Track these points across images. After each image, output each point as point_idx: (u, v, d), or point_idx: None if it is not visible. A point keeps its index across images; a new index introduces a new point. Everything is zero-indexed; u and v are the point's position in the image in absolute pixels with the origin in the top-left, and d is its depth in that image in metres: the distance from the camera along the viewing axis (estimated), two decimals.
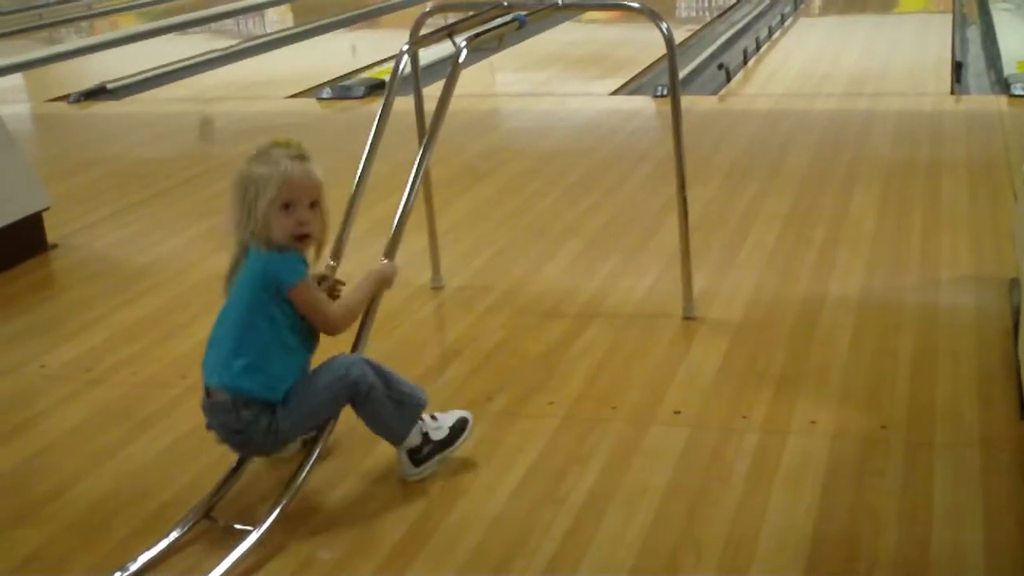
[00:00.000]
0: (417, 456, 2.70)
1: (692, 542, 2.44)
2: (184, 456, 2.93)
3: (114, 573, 2.40)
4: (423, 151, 3.04)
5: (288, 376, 2.58)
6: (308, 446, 2.70)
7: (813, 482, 2.65)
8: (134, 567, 2.42)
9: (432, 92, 3.56)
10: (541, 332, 3.57)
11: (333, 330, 2.67)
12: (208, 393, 2.60)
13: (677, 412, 3.02)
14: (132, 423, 3.13)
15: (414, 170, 3.00)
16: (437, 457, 2.72)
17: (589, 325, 3.60)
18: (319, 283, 2.79)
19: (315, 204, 2.58)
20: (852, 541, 2.42)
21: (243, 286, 2.56)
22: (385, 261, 2.84)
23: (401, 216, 2.94)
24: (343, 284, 2.85)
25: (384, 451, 2.82)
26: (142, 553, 2.46)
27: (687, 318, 3.60)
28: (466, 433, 2.78)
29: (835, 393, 3.09)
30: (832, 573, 2.32)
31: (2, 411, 3.27)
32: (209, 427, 2.64)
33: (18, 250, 4.51)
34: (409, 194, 2.97)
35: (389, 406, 2.64)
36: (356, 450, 2.85)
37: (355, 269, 3.24)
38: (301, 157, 2.57)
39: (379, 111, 3.25)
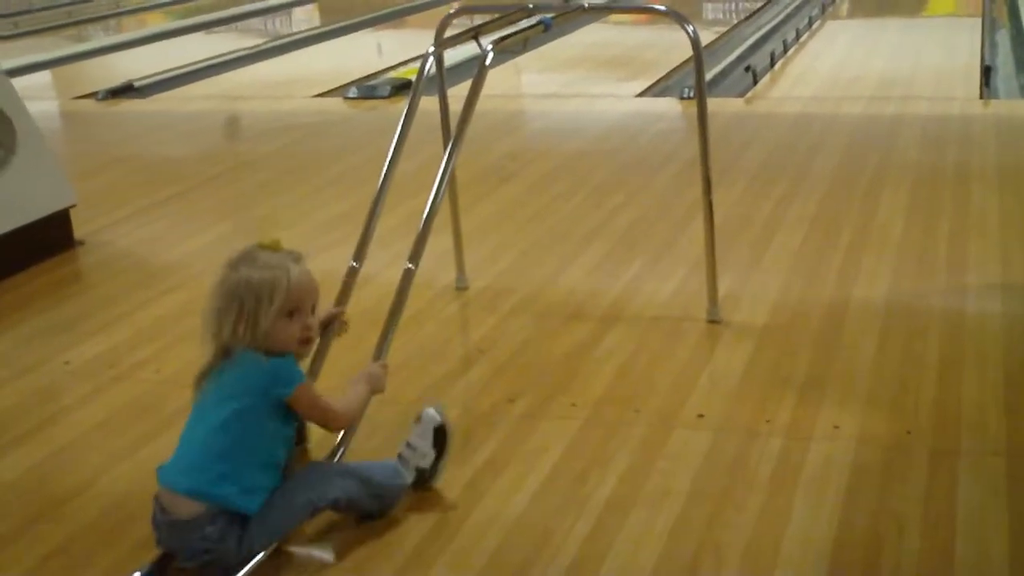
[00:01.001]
0: (423, 483, 2.65)
1: (713, 546, 2.43)
2: None
3: (134, 573, 2.41)
4: (450, 152, 3.03)
5: (266, 489, 2.42)
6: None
7: (836, 487, 2.63)
8: (155, 569, 2.43)
9: (457, 92, 3.56)
10: (564, 334, 3.57)
11: (336, 427, 2.60)
12: (162, 507, 2.40)
13: (701, 416, 3.01)
14: (155, 420, 3.14)
15: (441, 171, 2.99)
16: (439, 470, 2.65)
17: (613, 328, 3.59)
18: (326, 327, 2.79)
19: (315, 307, 2.50)
20: (875, 547, 2.40)
21: (235, 391, 2.39)
22: (376, 363, 2.72)
23: (428, 217, 2.93)
24: (347, 326, 2.86)
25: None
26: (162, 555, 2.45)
27: (712, 321, 3.58)
28: (448, 433, 2.65)
29: (860, 398, 3.07)
30: None
31: (26, 407, 3.28)
32: (162, 544, 2.42)
33: (45, 246, 4.53)
34: (436, 195, 2.96)
35: (368, 503, 2.54)
36: (375, 452, 2.85)
37: (378, 269, 3.25)
38: (300, 259, 2.46)
39: (404, 111, 3.25)
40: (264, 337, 2.39)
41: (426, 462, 2.63)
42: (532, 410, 3.08)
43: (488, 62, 3.10)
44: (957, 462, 2.72)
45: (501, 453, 2.81)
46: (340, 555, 2.47)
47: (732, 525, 2.51)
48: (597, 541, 2.47)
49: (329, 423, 2.58)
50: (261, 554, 2.40)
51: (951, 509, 2.53)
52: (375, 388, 2.67)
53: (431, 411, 2.67)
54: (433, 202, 2.95)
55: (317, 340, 2.62)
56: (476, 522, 2.56)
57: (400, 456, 2.63)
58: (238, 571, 2.37)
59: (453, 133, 3.10)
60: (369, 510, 2.55)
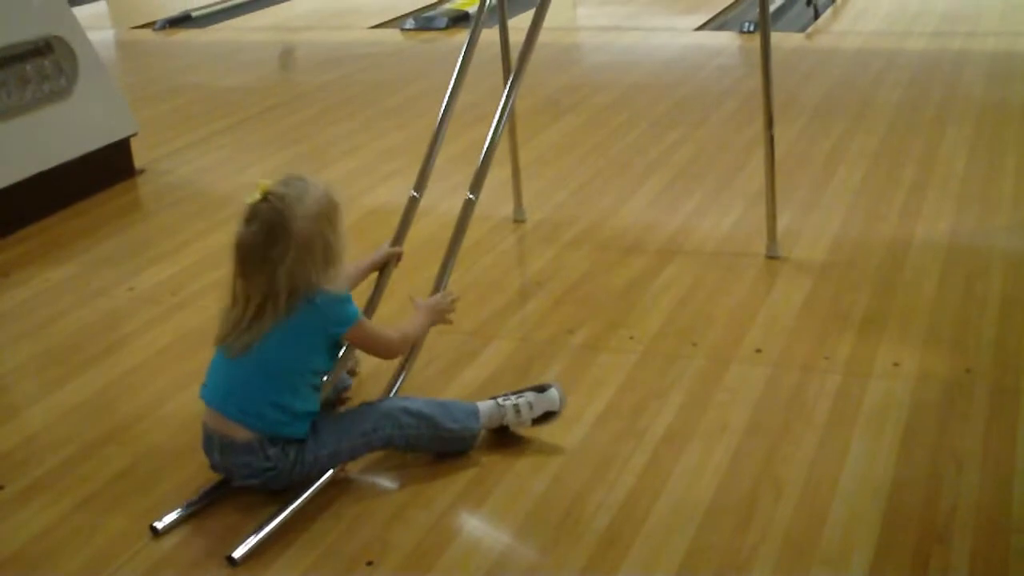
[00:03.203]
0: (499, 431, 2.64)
1: (772, 480, 2.44)
2: None
3: (199, 496, 2.46)
4: (511, 85, 3.02)
5: (312, 414, 2.45)
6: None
7: (895, 425, 2.63)
8: (218, 490, 2.49)
9: (516, 24, 3.54)
10: (622, 267, 3.56)
11: (390, 356, 2.62)
12: (213, 430, 2.44)
13: (758, 351, 3.00)
14: None
15: (501, 103, 2.98)
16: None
17: (671, 261, 3.58)
18: (383, 267, 2.83)
19: None
20: (933, 484, 2.40)
21: (292, 332, 2.37)
22: (441, 294, 2.73)
23: (488, 149, 2.92)
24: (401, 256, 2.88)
25: (465, 381, 2.86)
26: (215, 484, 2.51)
27: (770, 257, 3.56)
28: (553, 419, 2.64)
29: (920, 336, 3.05)
30: (912, 515, 2.31)
31: (92, 332, 3.34)
32: (217, 468, 2.48)
33: (107, 174, 4.59)
34: (496, 127, 2.95)
35: (437, 444, 2.55)
36: (429, 382, 2.87)
37: (437, 200, 3.25)
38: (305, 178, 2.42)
39: (465, 42, 3.24)
40: (335, 260, 2.38)
41: (516, 427, 2.62)
42: (591, 342, 3.09)
43: None
44: (1017, 401, 2.70)
45: (561, 384, 2.82)
46: (400, 484, 2.51)
47: (790, 460, 2.51)
48: (654, 473, 2.49)
49: (384, 353, 2.60)
50: (319, 482, 2.45)
51: (1010, 447, 2.52)
52: (436, 319, 2.68)
53: (555, 394, 2.65)
54: (493, 134, 2.94)
55: None
56: (535, 451, 2.59)
57: (499, 403, 2.61)
58: (297, 494, 2.42)
59: (514, 66, 3.08)
60: (440, 449, 2.56)
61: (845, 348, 2.99)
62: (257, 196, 2.35)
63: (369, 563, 2.25)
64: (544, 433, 2.63)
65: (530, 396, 2.63)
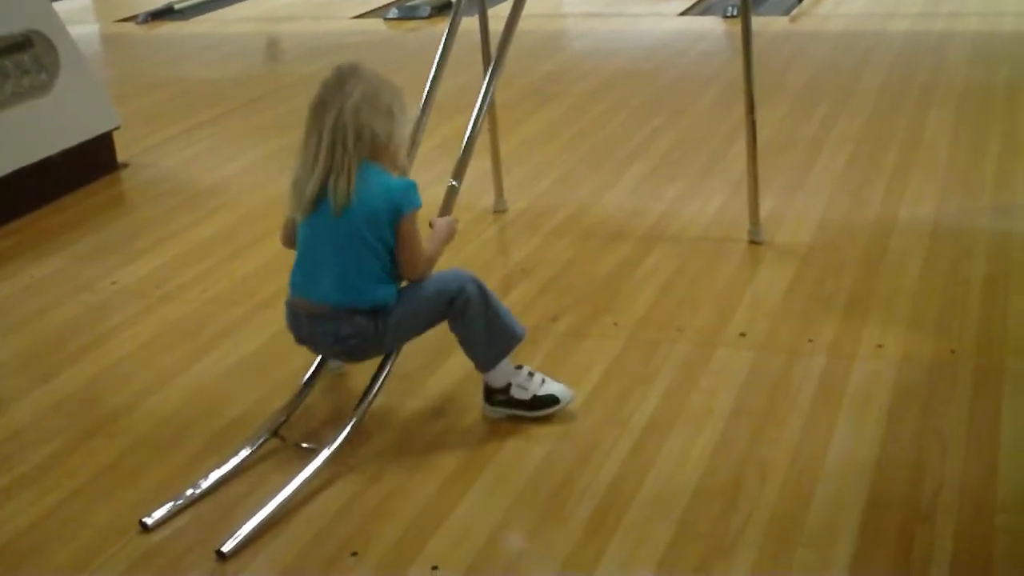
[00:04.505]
0: (492, 398, 2.66)
1: (757, 463, 2.45)
2: (252, 373, 2.98)
3: (187, 490, 2.45)
4: (490, 75, 3.02)
5: (394, 290, 2.57)
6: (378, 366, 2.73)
7: (880, 406, 2.63)
8: (205, 484, 2.48)
9: (497, 12, 3.53)
10: (606, 254, 3.57)
11: (419, 268, 2.59)
12: (299, 309, 2.59)
13: (743, 334, 3.01)
14: (201, 340, 3.18)
15: (481, 94, 2.99)
16: (510, 411, 2.64)
17: (655, 248, 3.58)
18: None
19: None
20: (918, 465, 2.41)
21: (363, 208, 2.47)
22: (445, 218, 2.78)
23: (468, 140, 2.93)
24: None
25: (447, 372, 2.86)
26: (213, 471, 2.50)
27: (753, 242, 3.57)
28: (551, 410, 2.64)
29: (904, 317, 3.05)
30: (897, 496, 2.31)
31: (76, 327, 3.34)
32: (304, 340, 2.63)
33: (90, 169, 4.57)
34: (477, 117, 2.96)
35: (481, 325, 2.58)
36: (415, 372, 2.88)
37: (420, 188, 3.23)
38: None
39: (446, 31, 3.23)
40: (392, 147, 2.53)
41: (520, 394, 2.63)
42: (575, 329, 3.10)
43: None
44: (1001, 381, 2.71)
45: (544, 371, 2.82)
46: (383, 475, 2.51)
47: (775, 443, 2.52)
48: (639, 458, 2.49)
49: (415, 264, 2.58)
50: (393, 357, 2.66)
51: (995, 428, 2.53)
52: (450, 238, 2.74)
53: (567, 391, 2.67)
54: (474, 125, 2.95)
55: None
56: (519, 438, 2.59)
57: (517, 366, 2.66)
58: (367, 357, 2.65)
59: (494, 55, 3.08)
60: (477, 338, 2.60)
61: (829, 331, 3.00)
62: None
63: (354, 554, 2.25)
64: (528, 420, 2.64)
65: (545, 376, 2.67)
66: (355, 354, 2.65)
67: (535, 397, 2.64)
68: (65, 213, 4.26)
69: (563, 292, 3.32)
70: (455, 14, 3.26)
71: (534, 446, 2.56)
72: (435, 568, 2.19)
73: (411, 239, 2.54)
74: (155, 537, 2.34)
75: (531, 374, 2.66)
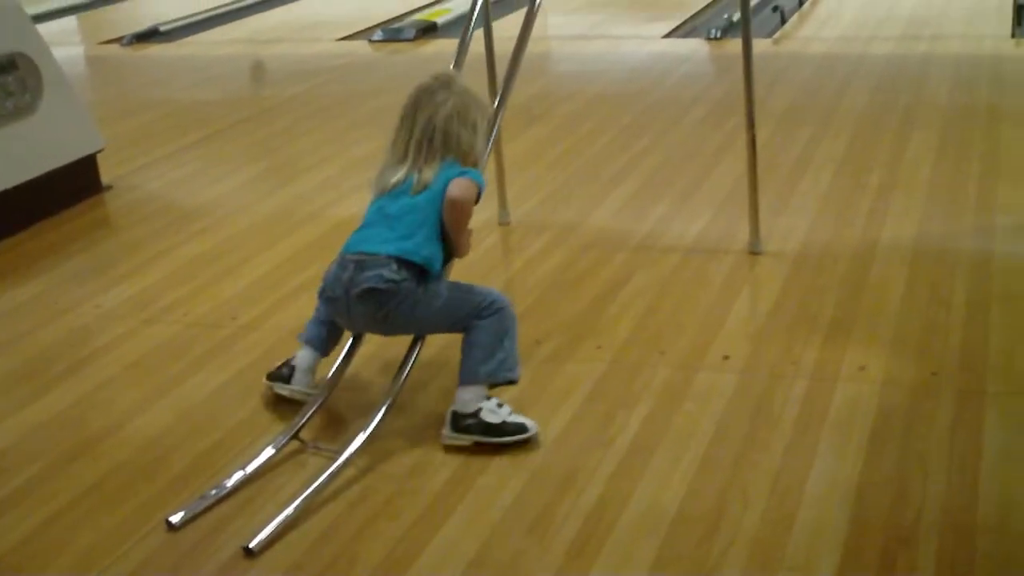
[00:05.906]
0: (459, 423, 2.65)
1: (739, 487, 2.45)
2: (236, 395, 2.98)
3: (210, 491, 2.49)
4: (499, 103, 3.21)
5: (441, 256, 2.70)
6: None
7: (862, 429, 2.64)
8: (230, 483, 2.52)
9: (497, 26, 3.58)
10: (591, 275, 3.57)
11: (464, 248, 2.77)
12: (345, 259, 2.69)
13: (726, 357, 3.02)
14: (185, 362, 3.18)
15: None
16: (477, 436, 2.63)
17: (639, 269, 3.59)
18: None
19: None
20: (900, 488, 2.41)
21: (437, 187, 2.67)
22: None
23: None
24: None
25: (437, 389, 2.86)
26: (236, 471, 2.56)
27: (753, 252, 3.64)
28: (518, 437, 2.63)
29: (886, 339, 3.07)
30: (879, 520, 2.32)
31: (60, 350, 3.33)
32: (338, 299, 2.69)
33: (73, 191, 4.57)
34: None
35: (493, 339, 2.67)
36: (406, 392, 2.88)
37: None
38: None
39: (456, 51, 3.38)
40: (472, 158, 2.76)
41: (490, 418, 2.64)
42: (558, 352, 3.10)
43: (537, 5, 3.15)
44: (983, 404, 2.72)
45: (527, 395, 2.83)
46: (367, 497, 2.51)
47: (757, 466, 2.52)
48: (622, 482, 2.49)
49: (462, 243, 2.76)
50: (420, 343, 2.77)
51: (977, 450, 2.53)
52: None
53: (533, 427, 2.67)
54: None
55: None
56: (501, 462, 2.59)
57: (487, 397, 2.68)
58: (396, 328, 2.74)
59: (500, 88, 3.28)
60: (479, 351, 2.66)
61: (812, 353, 3.01)
62: None
63: None
64: (511, 446, 2.63)
65: (512, 410, 2.69)
66: (389, 315, 2.66)
67: (505, 422, 2.64)
68: (48, 235, 4.26)
69: (546, 314, 3.33)
70: (465, 34, 3.45)
71: (517, 469, 2.56)
72: None
73: (463, 223, 2.71)
74: (141, 552, 2.33)
75: (500, 405, 2.67)
